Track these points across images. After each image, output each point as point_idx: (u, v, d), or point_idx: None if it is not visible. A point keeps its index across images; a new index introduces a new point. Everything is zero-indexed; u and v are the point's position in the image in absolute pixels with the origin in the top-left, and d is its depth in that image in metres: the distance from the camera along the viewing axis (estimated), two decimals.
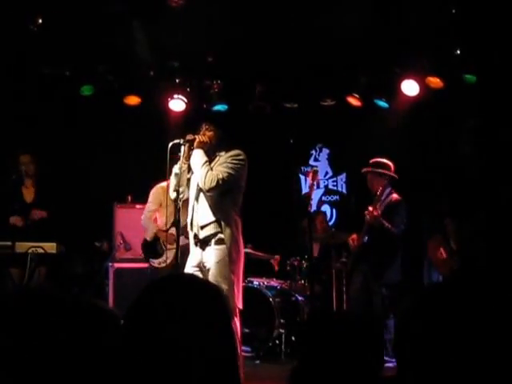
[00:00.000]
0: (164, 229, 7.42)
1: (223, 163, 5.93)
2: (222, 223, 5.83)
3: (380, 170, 7.67)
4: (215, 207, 5.87)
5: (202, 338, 1.67)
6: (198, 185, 5.97)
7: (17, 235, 7.55)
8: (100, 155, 9.73)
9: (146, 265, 7.85)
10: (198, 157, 5.95)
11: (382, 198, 7.54)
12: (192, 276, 1.99)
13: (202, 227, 5.90)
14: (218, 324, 1.73)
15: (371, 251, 7.55)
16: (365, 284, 7.57)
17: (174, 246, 6.32)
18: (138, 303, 1.75)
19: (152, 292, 1.76)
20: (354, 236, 7.81)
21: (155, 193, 7.71)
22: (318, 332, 2.40)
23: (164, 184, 7.44)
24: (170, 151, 5.95)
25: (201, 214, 5.93)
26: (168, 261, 7.53)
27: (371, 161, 7.76)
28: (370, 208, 7.33)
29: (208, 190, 5.83)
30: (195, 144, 5.99)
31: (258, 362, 8.18)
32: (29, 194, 8.20)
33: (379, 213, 7.29)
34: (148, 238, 7.67)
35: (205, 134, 6.04)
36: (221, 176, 5.80)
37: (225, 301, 1.80)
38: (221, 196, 5.87)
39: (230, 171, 5.87)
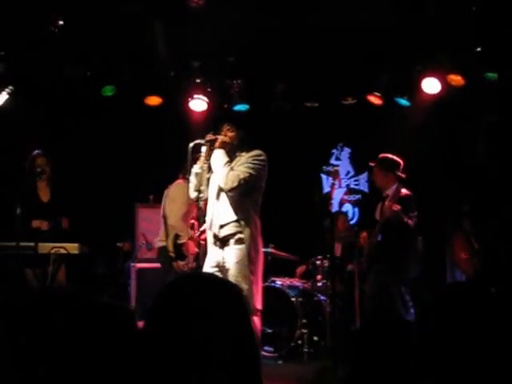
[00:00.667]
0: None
1: (244, 163, 5.93)
2: (242, 223, 5.83)
3: (385, 168, 7.62)
4: (235, 207, 5.88)
5: (222, 337, 1.66)
6: (218, 184, 5.98)
7: (39, 236, 7.59)
8: (121, 156, 9.76)
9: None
10: (219, 157, 5.96)
11: (390, 194, 7.46)
12: (211, 275, 1.99)
13: (222, 226, 5.90)
14: (239, 322, 1.72)
15: (386, 249, 7.46)
16: (381, 283, 7.50)
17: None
18: (158, 302, 1.74)
19: (172, 291, 1.76)
20: (364, 234, 7.76)
21: (182, 191, 7.65)
22: (372, 339, 2.36)
23: (180, 181, 7.51)
24: (191, 151, 5.98)
25: (220, 214, 5.93)
26: (190, 265, 7.56)
27: (379, 156, 7.71)
28: (388, 204, 7.24)
29: (229, 190, 5.84)
30: (216, 144, 6.00)
31: (280, 362, 8.18)
32: (45, 195, 8.24)
33: (399, 208, 7.20)
34: (181, 241, 7.67)
35: (226, 135, 6.06)
36: (242, 176, 5.81)
37: (244, 299, 1.79)
38: (241, 196, 5.87)
39: (251, 171, 5.87)
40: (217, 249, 5.94)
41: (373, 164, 7.70)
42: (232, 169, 5.89)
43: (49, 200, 8.17)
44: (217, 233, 5.93)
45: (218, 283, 1.81)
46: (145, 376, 1.66)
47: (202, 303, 1.70)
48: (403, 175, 7.50)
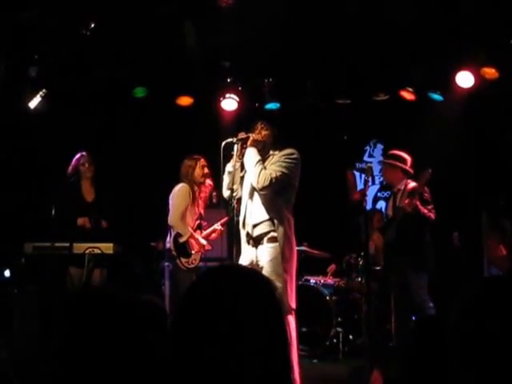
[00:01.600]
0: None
1: (276, 162, 5.92)
2: (275, 222, 5.82)
3: (392, 162, 7.59)
4: (268, 206, 5.87)
5: (254, 330, 1.65)
6: (251, 183, 5.98)
7: (77, 236, 7.67)
8: (154, 156, 9.82)
9: (201, 263, 7.89)
10: (252, 155, 5.95)
11: (399, 188, 7.48)
12: (243, 268, 1.97)
13: (255, 225, 5.90)
14: (270, 316, 1.70)
15: (406, 243, 7.39)
16: (407, 276, 7.44)
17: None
18: (188, 296, 1.74)
19: (202, 285, 1.76)
20: (376, 235, 7.76)
21: (184, 192, 7.75)
22: (426, 341, 2.33)
23: (185, 185, 7.57)
24: (223, 150, 5.97)
25: (254, 213, 5.94)
26: (195, 262, 7.65)
27: (388, 152, 7.72)
28: (407, 200, 7.20)
29: (261, 189, 5.83)
30: (248, 142, 5.99)
31: (315, 360, 8.17)
32: (89, 195, 8.31)
33: (418, 203, 7.18)
34: (182, 240, 7.71)
35: (260, 133, 6.05)
36: (274, 175, 5.79)
37: (275, 293, 1.77)
38: (274, 195, 5.86)
39: (284, 170, 5.85)
40: (250, 247, 5.94)
41: (381, 160, 7.75)
42: (264, 168, 5.88)
43: (93, 199, 8.25)
44: (250, 232, 5.94)
45: (249, 275, 1.79)
46: (174, 371, 1.66)
47: (233, 295, 1.68)
48: (411, 170, 7.50)
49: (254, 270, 1.89)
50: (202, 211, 7.87)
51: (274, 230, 5.81)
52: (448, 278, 7.83)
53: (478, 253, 8.45)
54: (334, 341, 8.44)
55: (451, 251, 8.65)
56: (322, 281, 9.03)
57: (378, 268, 8.57)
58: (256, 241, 5.90)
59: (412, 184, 7.37)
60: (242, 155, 6.04)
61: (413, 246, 7.31)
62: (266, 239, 5.84)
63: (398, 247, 7.41)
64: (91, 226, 8.03)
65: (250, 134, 6.02)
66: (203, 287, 1.73)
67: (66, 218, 7.78)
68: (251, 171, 5.92)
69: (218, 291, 1.69)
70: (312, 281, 8.89)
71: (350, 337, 8.57)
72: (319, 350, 8.33)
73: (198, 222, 7.87)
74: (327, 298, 8.55)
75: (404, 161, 7.56)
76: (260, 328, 1.66)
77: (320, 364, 8.10)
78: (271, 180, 5.77)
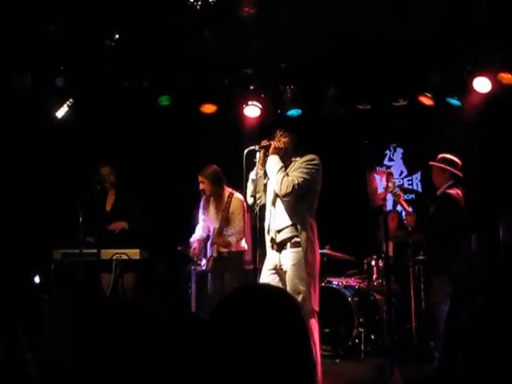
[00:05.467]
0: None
1: (298, 168, 6.03)
2: (298, 227, 5.94)
3: (442, 165, 7.67)
4: (291, 211, 5.99)
5: (279, 351, 1.68)
6: (274, 190, 6.10)
7: (104, 243, 7.86)
8: (179, 163, 9.97)
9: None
10: (274, 162, 6.05)
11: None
12: (266, 286, 2.03)
13: (279, 231, 6.03)
14: (296, 336, 1.74)
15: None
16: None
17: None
18: (214, 317, 1.78)
19: (230, 304, 1.80)
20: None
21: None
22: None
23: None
24: (246, 157, 6.08)
25: (277, 219, 6.06)
26: (198, 265, 8.16)
27: (438, 156, 7.78)
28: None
29: (284, 196, 5.94)
30: (270, 150, 6.11)
31: (337, 360, 8.28)
32: (110, 204, 8.50)
33: None
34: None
35: (280, 140, 6.14)
36: (296, 181, 5.90)
37: (301, 313, 1.80)
38: (297, 200, 5.97)
39: (306, 176, 5.97)
40: (274, 252, 6.07)
41: (431, 163, 7.79)
42: (287, 174, 6.00)
43: (111, 209, 8.43)
44: (274, 237, 6.07)
45: (275, 297, 1.81)
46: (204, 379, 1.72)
47: (259, 317, 1.71)
48: (459, 173, 7.59)
49: (280, 291, 1.94)
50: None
51: (297, 236, 5.93)
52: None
53: (493, 256, 8.54)
54: (356, 341, 8.56)
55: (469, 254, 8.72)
56: (344, 282, 9.14)
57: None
58: (280, 246, 6.03)
59: (450, 191, 7.51)
60: (264, 163, 6.15)
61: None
62: (289, 244, 5.97)
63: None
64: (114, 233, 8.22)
65: (272, 142, 6.13)
66: (229, 310, 1.77)
67: (92, 225, 7.98)
68: (274, 178, 6.03)
69: (244, 314, 1.73)
70: (334, 282, 8.99)
71: (372, 337, 8.69)
72: (342, 349, 8.45)
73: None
74: (349, 299, 8.66)
75: (454, 164, 7.62)
76: (285, 350, 1.69)
77: (342, 363, 8.21)
78: (293, 186, 5.88)
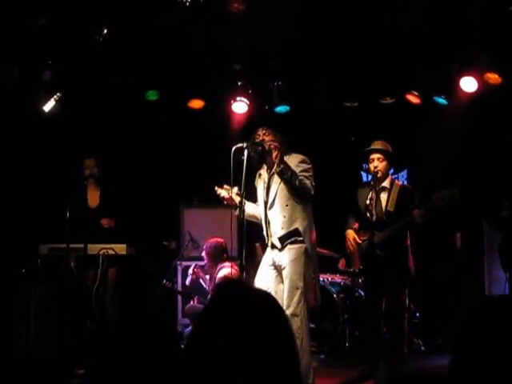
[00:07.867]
0: None
1: (297, 169, 6.06)
2: (301, 228, 6.05)
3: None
4: (290, 213, 6.07)
5: (265, 352, 1.68)
6: (273, 194, 6.11)
7: (89, 238, 7.85)
8: (166, 158, 9.97)
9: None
10: (288, 170, 6.01)
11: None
12: (256, 291, 2.03)
13: (281, 237, 6.11)
14: (281, 341, 1.74)
15: None
16: None
17: None
18: (203, 317, 1.80)
19: (216, 307, 1.81)
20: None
21: None
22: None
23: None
24: (234, 154, 6.03)
25: (276, 221, 6.13)
26: None
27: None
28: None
29: (306, 199, 6.07)
30: (275, 156, 6.03)
31: (322, 356, 8.36)
32: (93, 198, 8.47)
33: None
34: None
35: (264, 139, 6.13)
36: (311, 184, 6.02)
37: (287, 320, 1.81)
38: (297, 203, 6.09)
39: (311, 178, 6.08)
40: (274, 249, 6.17)
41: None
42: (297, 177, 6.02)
43: (98, 204, 8.41)
44: (275, 234, 6.14)
45: (260, 302, 1.81)
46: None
47: (243, 322, 1.72)
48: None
49: (264, 293, 1.94)
50: None
51: (297, 235, 6.03)
52: (449, 279, 7.96)
53: (478, 254, 8.60)
54: (341, 337, 8.62)
55: (453, 252, 8.76)
56: (330, 279, 9.19)
57: None
58: (280, 243, 6.11)
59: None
60: (267, 162, 6.19)
61: None
62: (288, 241, 6.05)
63: None
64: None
65: (268, 143, 6.10)
66: (215, 311, 1.79)
67: (78, 220, 7.95)
68: (290, 183, 6.01)
69: (229, 313, 1.74)
70: (320, 279, 9.00)
71: (356, 333, 8.72)
72: (326, 345, 8.52)
73: None
74: (334, 295, 8.72)
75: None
76: (271, 352, 1.69)
77: (327, 359, 8.32)
78: (311, 189, 6.02)
